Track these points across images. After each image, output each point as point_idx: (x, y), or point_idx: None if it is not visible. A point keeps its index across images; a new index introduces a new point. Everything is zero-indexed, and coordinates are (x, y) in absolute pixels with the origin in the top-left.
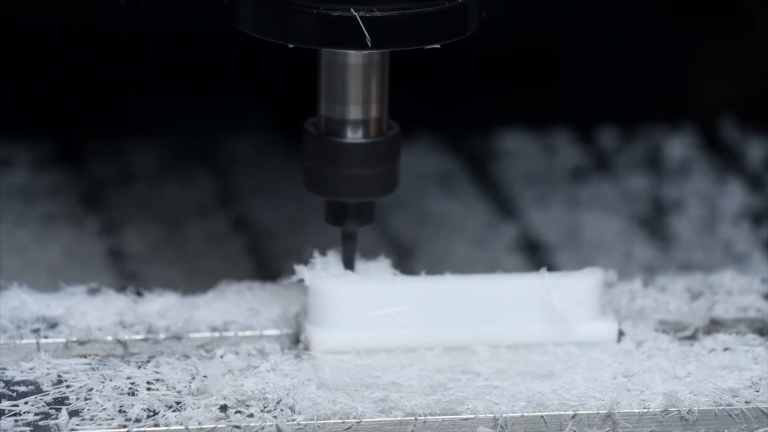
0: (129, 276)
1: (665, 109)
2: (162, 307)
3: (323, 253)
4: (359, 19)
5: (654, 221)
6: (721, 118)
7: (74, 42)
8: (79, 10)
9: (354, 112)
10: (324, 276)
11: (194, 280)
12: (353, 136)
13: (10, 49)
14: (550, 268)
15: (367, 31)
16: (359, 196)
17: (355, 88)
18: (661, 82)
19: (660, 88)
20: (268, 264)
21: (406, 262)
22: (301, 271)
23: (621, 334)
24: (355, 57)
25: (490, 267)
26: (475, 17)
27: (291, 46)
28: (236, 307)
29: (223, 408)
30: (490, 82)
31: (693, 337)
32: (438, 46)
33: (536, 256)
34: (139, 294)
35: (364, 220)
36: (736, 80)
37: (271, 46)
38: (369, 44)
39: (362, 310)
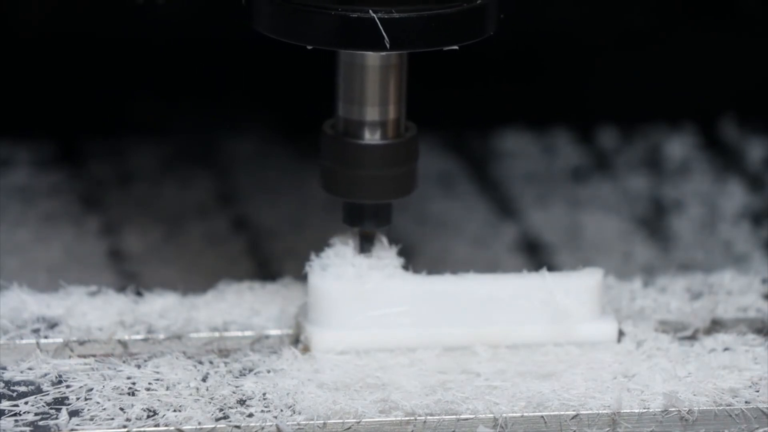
0: (129, 276)
1: (665, 109)
2: (162, 307)
3: (320, 254)
4: (378, 21)
5: (654, 221)
6: (721, 118)
7: (74, 42)
8: (78, 11)
9: (371, 113)
10: (324, 276)
11: (194, 280)
12: (371, 137)
13: (11, 49)
14: (550, 268)
15: (385, 32)
16: (377, 197)
17: (372, 90)
18: (661, 82)
19: (660, 88)
20: (268, 264)
21: (406, 262)
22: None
23: (621, 334)
24: (373, 58)
25: (490, 267)
26: (493, 18)
27: (309, 47)
28: (236, 307)
29: (223, 408)
30: (490, 82)
31: (693, 337)
32: (456, 47)
33: (536, 256)
34: (139, 294)
35: (381, 221)
36: (736, 80)
37: (271, 46)
38: (387, 46)
39: (362, 310)
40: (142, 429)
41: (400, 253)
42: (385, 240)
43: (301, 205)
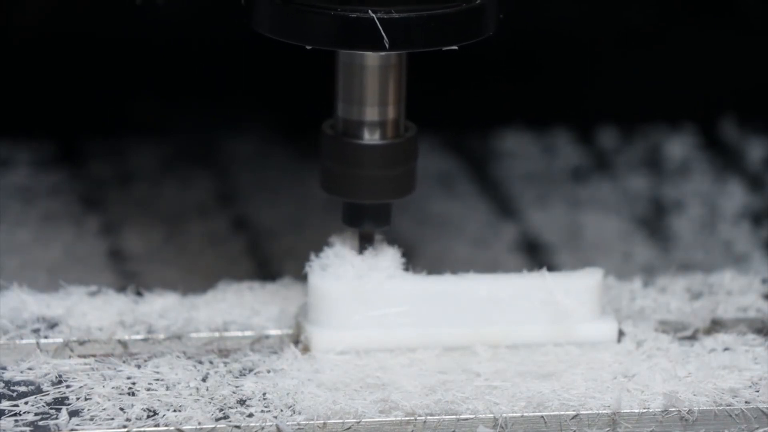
0: (129, 276)
1: (665, 109)
2: (162, 307)
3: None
4: (377, 21)
5: (654, 221)
6: (721, 118)
7: (74, 42)
8: (78, 11)
9: (371, 113)
10: (324, 276)
11: (194, 280)
12: (370, 137)
13: (11, 48)
14: (550, 268)
15: (384, 32)
16: (376, 197)
17: (372, 90)
18: (661, 82)
19: (660, 88)
20: (268, 264)
21: (406, 262)
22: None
23: (621, 334)
24: (372, 58)
25: (490, 267)
26: (492, 18)
27: (308, 47)
28: (236, 307)
29: (223, 408)
30: (490, 82)
31: (693, 337)
32: (456, 47)
33: (536, 256)
34: (139, 294)
35: (381, 221)
36: (736, 80)
37: (271, 46)
38: (387, 46)
39: (362, 310)
40: (142, 429)
41: (401, 254)
42: (384, 241)
43: (301, 205)
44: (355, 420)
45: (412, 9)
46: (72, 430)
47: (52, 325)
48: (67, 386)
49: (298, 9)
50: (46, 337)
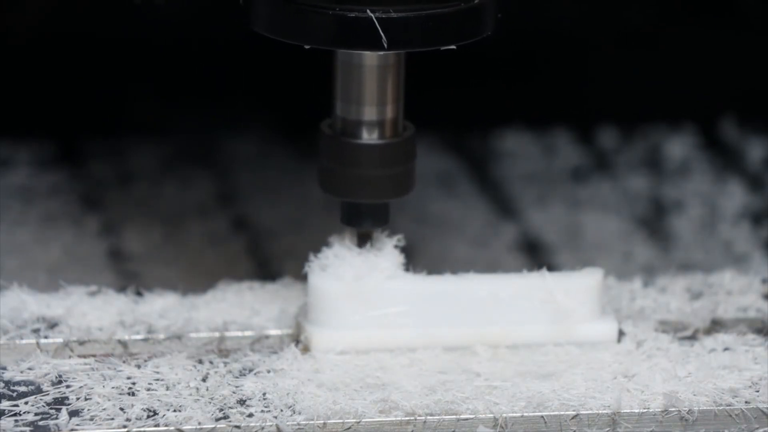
0: (129, 276)
1: (665, 109)
2: (162, 307)
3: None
4: (375, 21)
5: (654, 221)
6: (721, 118)
7: (74, 42)
8: (78, 11)
9: (369, 113)
10: (324, 276)
11: (194, 280)
12: (368, 137)
13: (11, 49)
14: (550, 268)
15: (383, 32)
16: (374, 197)
17: (370, 89)
18: (661, 82)
19: (660, 88)
20: (268, 264)
21: (406, 262)
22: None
23: (621, 334)
24: (370, 58)
25: (490, 267)
26: (490, 18)
27: (307, 47)
28: (236, 307)
29: (223, 408)
30: (490, 82)
31: (693, 337)
32: (454, 47)
33: (536, 256)
34: (139, 294)
35: (379, 220)
36: (736, 80)
37: (271, 46)
38: (385, 45)
39: (362, 310)
40: (142, 429)
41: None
42: (385, 240)
43: (301, 205)
44: (355, 420)
45: (410, 8)
46: (72, 430)
47: (52, 325)
48: (67, 386)
49: (297, 8)
50: (46, 337)
